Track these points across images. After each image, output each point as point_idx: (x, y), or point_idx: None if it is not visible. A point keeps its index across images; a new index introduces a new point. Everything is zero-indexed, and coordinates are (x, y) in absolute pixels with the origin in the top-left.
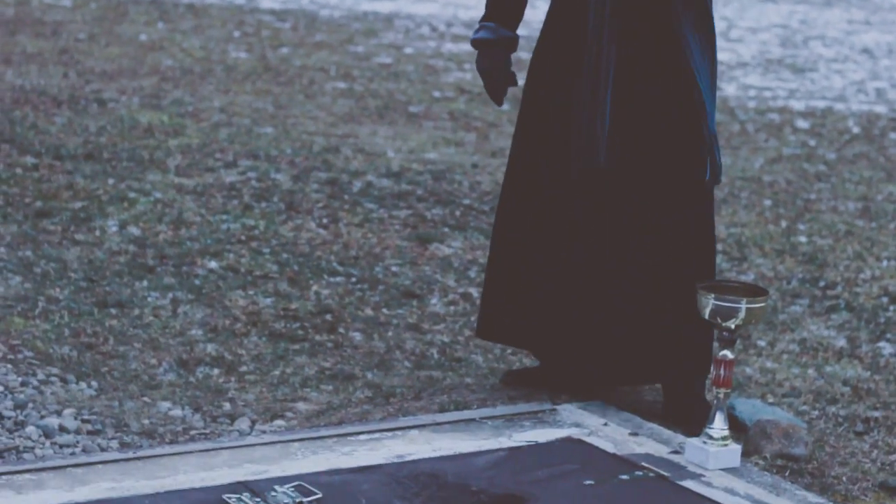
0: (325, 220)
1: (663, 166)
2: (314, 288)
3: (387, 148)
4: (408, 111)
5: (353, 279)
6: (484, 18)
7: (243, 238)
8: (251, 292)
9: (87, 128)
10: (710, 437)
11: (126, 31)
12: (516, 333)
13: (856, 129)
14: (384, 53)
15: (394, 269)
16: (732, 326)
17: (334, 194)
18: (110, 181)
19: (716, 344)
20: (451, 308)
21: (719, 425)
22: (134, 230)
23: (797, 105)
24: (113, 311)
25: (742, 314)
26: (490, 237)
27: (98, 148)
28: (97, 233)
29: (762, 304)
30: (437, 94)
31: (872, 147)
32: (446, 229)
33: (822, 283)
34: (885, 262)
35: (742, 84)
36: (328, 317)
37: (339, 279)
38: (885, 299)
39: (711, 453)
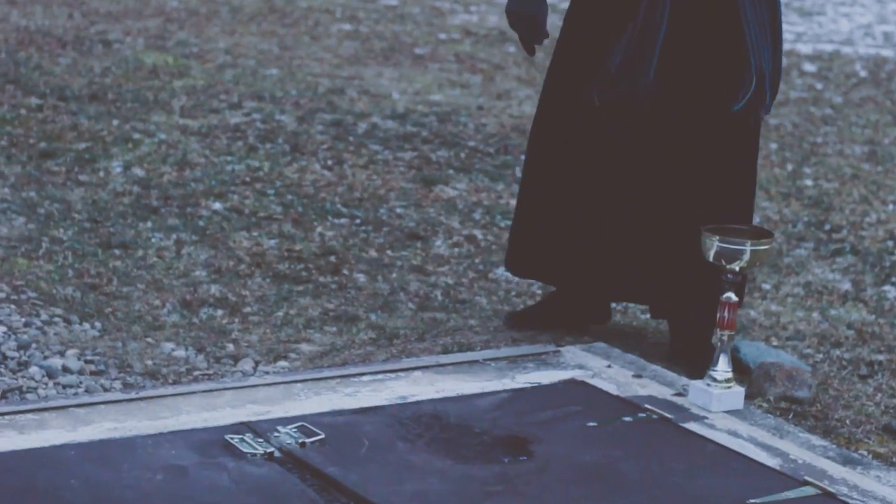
0: (329, 162)
1: (707, 104)
2: (318, 229)
3: (392, 90)
4: (413, 53)
5: (358, 221)
6: None
7: (248, 179)
8: (255, 234)
9: (91, 69)
10: (714, 380)
11: None
12: (543, 269)
13: (863, 73)
14: None
15: (398, 210)
16: (737, 269)
17: (339, 136)
18: (115, 122)
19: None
20: (456, 250)
21: (723, 368)
22: (138, 171)
23: (804, 48)
24: (117, 251)
25: (746, 256)
26: (521, 171)
27: (103, 89)
28: (101, 174)
29: (767, 247)
30: (442, 35)
31: (879, 91)
32: (451, 171)
33: (827, 227)
34: (890, 206)
35: None
36: (332, 258)
37: (343, 221)
38: (890, 243)
39: (715, 396)
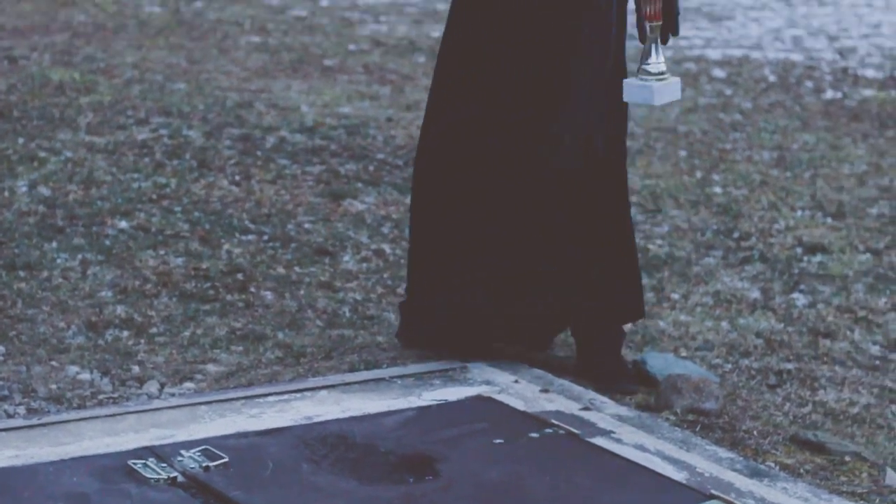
0: (237, 177)
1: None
2: (226, 247)
3: (301, 102)
4: (322, 65)
5: (266, 237)
6: None
7: (154, 197)
8: (162, 252)
9: None
10: (648, 73)
11: None
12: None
13: (772, 78)
14: (299, 6)
15: (306, 226)
16: None
17: (247, 150)
18: (20, 140)
19: None
20: (364, 265)
21: (655, 59)
22: (44, 190)
23: (713, 54)
24: (21, 273)
25: None
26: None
27: (8, 106)
28: (6, 193)
29: None
30: (352, 47)
31: (788, 96)
32: (360, 185)
33: (736, 234)
34: (799, 212)
35: None
36: (239, 276)
37: (250, 237)
38: (799, 250)
39: (656, 88)
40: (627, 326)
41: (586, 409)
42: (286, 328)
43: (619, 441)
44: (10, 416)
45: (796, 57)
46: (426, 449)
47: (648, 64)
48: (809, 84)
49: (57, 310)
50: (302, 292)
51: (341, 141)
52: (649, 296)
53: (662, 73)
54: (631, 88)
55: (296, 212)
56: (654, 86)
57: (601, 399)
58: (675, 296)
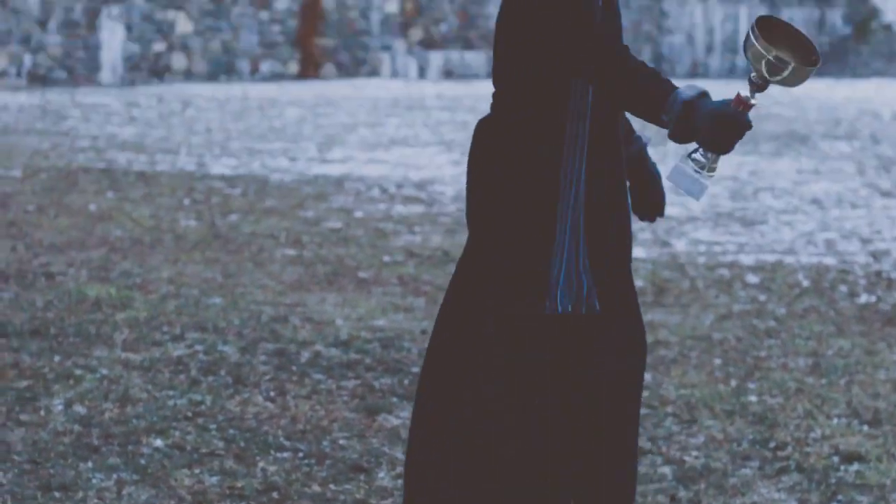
0: (272, 394)
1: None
2: (261, 464)
3: (335, 316)
4: (357, 277)
5: (301, 454)
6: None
7: (189, 414)
8: (197, 471)
9: (34, 303)
10: (699, 163)
11: (75, 201)
12: None
13: (805, 283)
14: (334, 218)
15: (341, 442)
16: (771, 79)
17: (282, 366)
18: (56, 358)
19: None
20: (400, 482)
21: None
22: (79, 409)
23: (747, 259)
24: (57, 494)
25: (788, 73)
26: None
27: (45, 324)
28: (42, 412)
29: (811, 69)
30: (386, 258)
31: (822, 300)
32: (395, 399)
33: (772, 444)
34: (835, 420)
35: (692, 239)
36: (275, 494)
37: (286, 454)
38: (835, 459)
39: (707, 186)
40: None
41: None
42: None
43: None
44: None
45: (829, 261)
46: None
47: (697, 152)
48: (843, 288)
49: None
50: None
51: (376, 355)
52: None
53: (713, 169)
54: (681, 176)
55: (331, 428)
56: (706, 183)
57: None
58: None
